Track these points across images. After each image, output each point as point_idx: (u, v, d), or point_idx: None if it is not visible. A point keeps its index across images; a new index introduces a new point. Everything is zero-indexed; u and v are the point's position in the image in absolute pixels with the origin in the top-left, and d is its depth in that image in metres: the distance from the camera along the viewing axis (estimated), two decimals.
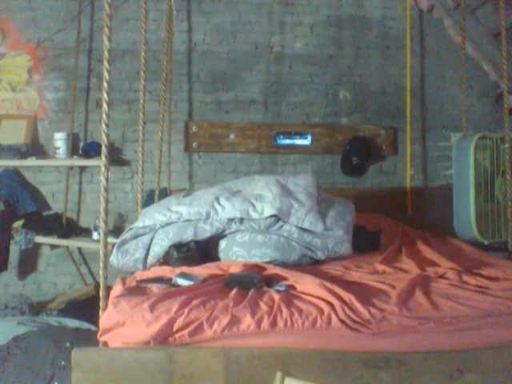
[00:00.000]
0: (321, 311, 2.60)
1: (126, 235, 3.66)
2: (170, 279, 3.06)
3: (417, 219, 5.15)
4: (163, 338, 2.51)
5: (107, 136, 2.78)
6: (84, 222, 5.21)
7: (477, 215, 4.57)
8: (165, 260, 3.52)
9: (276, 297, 2.73)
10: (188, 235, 3.51)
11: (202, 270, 3.25)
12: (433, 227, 4.89)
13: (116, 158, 5.12)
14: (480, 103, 5.49)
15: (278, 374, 2.26)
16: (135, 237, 3.64)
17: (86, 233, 5.08)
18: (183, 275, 3.08)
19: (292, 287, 2.93)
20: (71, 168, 5.11)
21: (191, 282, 2.99)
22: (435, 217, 5.24)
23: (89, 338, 3.54)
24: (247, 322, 2.54)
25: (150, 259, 3.50)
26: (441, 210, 5.16)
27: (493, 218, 4.59)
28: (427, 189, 5.47)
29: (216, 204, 3.61)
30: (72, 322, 4.23)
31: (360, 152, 5.29)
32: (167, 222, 3.61)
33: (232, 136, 5.27)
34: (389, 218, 4.70)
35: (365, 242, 3.90)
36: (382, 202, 5.17)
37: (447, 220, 4.87)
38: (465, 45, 4.98)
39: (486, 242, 4.57)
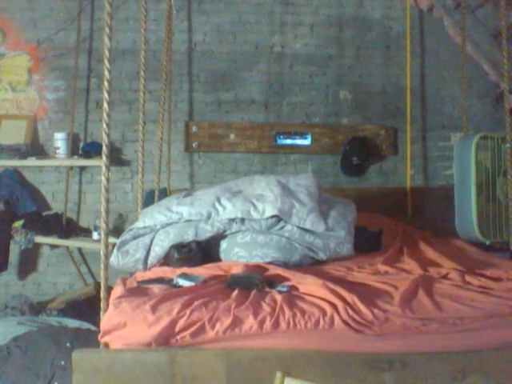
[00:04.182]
0: (323, 312, 2.59)
1: (126, 236, 3.65)
2: (171, 280, 3.05)
3: (417, 219, 5.13)
4: (165, 339, 2.51)
5: (108, 136, 2.77)
6: (84, 222, 5.20)
7: (478, 215, 4.58)
8: (165, 260, 3.51)
9: (278, 298, 2.72)
10: (189, 235, 3.50)
11: (203, 271, 3.25)
12: (433, 227, 4.87)
13: (116, 158, 5.11)
14: (480, 103, 5.48)
15: (278, 374, 2.25)
16: (135, 237, 3.63)
17: (86, 233, 5.07)
18: (184, 276, 3.07)
19: (294, 288, 2.92)
20: (71, 168, 5.10)
21: (192, 283, 2.98)
22: (435, 217, 5.23)
23: (89, 338, 3.54)
24: (249, 323, 2.53)
25: (151, 260, 3.49)
26: (441, 210, 5.16)
27: (494, 217, 4.60)
28: (427, 189, 5.46)
29: (217, 204, 3.60)
30: (72, 322, 4.23)
31: (360, 152, 5.29)
32: (168, 222, 3.60)
33: (232, 136, 5.26)
34: (389, 218, 4.70)
35: (366, 243, 3.88)
36: (383, 202, 5.17)
37: (447, 220, 4.88)
38: (465, 45, 4.98)
39: (487, 242, 4.57)
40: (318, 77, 5.38)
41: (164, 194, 4.89)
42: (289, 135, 5.33)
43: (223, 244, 3.56)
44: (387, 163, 5.48)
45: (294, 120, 5.37)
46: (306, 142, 5.34)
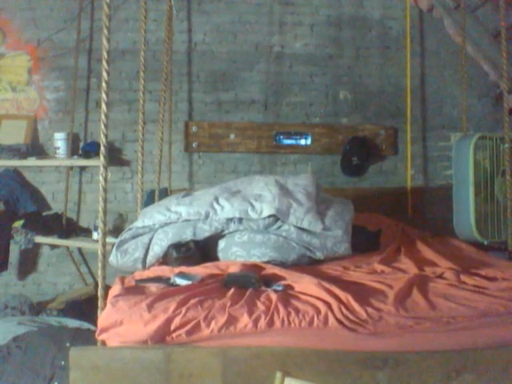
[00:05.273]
0: (318, 311, 2.60)
1: (125, 235, 3.67)
2: (169, 279, 3.07)
3: (417, 219, 5.15)
4: (161, 337, 2.51)
5: (106, 136, 2.78)
6: (84, 222, 5.21)
7: (476, 215, 4.58)
8: (164, 260, 3.52)
9: (273, 296, 2.73)
10: (187, 235, 3.51)
11: (200, 270, 3.25)
12: (433, 227, 4.89)
13: (116, 158, 5.13)
14: (480, 103, 5.49)
15: (278, 374, 2.26)
16: (135, 237, 3.64)
17: (86, 233, 5.08)
18: (182, 275, 3.08)
19: (290, 287, 2.93)
20: (71, 168, 5.12)
21: (190, 282, 2.99)
22: (435, 217, 5.24)
23: (89, 338, 3.53)
24: (244, 321, 2.54)
25: (150, 259, 3.50)
26: (441, 210, 5.17)
27: (492, 217, 4.60)
28: (427, 189, 5.47)
29: (215, 204, 3.61)
30: (72, 322, 4.23)
31: (360, 152, 5.30)
32: (166, 221, 3.61)
33: (232, 136, 5.27)
34: (389, 218, 4.70)
35: (365, 242, 3.88)
36: (382, 202, 5.18)
37: (447, 220, 4.89)
38: (465, 45, 4.98)
39: (485, 242, 4.58)
40: (318, 77, 5.39)
41: (165, 193, 4.91)
42: (289, 135, 5.34)
43: (221, 243, 3.56)
44: (387, 163, 5.48)
45: (294, 120, 5.38)
46: (306, 142, 5.34)
